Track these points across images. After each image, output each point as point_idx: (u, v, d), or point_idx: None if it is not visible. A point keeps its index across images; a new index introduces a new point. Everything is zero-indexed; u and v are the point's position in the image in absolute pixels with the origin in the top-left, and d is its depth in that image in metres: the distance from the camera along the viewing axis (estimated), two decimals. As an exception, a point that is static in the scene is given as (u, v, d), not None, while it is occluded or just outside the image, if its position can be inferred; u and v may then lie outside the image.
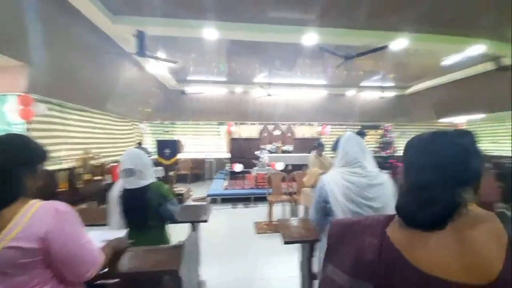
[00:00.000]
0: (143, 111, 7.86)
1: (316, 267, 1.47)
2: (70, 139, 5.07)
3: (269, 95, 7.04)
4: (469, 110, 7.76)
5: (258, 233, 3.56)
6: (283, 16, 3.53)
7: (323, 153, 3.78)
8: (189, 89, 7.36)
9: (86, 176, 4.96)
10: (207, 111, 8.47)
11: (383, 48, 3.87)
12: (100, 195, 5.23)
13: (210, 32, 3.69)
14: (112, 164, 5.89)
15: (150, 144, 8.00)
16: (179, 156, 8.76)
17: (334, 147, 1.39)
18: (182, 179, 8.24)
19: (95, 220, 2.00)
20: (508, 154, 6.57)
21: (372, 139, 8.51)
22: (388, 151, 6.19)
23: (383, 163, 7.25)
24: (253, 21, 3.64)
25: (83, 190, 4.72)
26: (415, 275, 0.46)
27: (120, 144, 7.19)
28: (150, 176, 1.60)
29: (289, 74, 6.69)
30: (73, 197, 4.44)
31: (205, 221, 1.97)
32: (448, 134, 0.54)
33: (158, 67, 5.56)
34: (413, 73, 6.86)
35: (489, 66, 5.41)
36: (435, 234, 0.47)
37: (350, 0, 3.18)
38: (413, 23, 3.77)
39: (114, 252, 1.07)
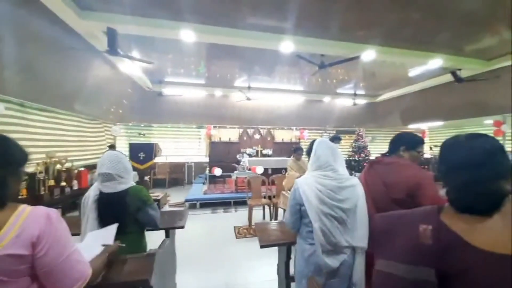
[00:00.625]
0: (115, 112, 7.46)
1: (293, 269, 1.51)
2: (33, 142, 4.65)
3: (248, 99, 7.10)
4: (430, 117, 8.54)
5: (238, 238, 3.55)
6: (261, 23, 3.61)
7: (302, 157, 3.89)
8: (167, 91, 7.16)
9: (50, 182, 4.56)
10: (186, 114, 8.28)
11: (355, 58, 4.13)
12: (66, 202, 4.84)
13: (187, 34, 3.64)
14: (80, 169, 5.49)
15: (124, 147, 7.59)
16: (157, 160, 8.48)
17: (308, 152, 1.46)
18: (159, 184, 7.93)
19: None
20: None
21: (346, 144, 8.96)
22: (362, 154, 6.55)
23: (357, 166, 7.66)
24: (231, 26, 3.68)
25: (47, 198, 4.33)
26: (475, 253, 0.53)
27: (90, 148, 6.74)
28: (130, 180, 1.54)
29: (268, 79, 6.82)
30: (34, 205, 4.06)
31: (182, 227, 1.93)
32: (481, 136, 0.64)
33: (133, 67, 5.35)
34: (383, 83, 7.39)
35: (448, 78, 6.01)
36: (488, 218, 0.55)
37: (324, 13, 3.36)
38: (381, 38, 4.09)
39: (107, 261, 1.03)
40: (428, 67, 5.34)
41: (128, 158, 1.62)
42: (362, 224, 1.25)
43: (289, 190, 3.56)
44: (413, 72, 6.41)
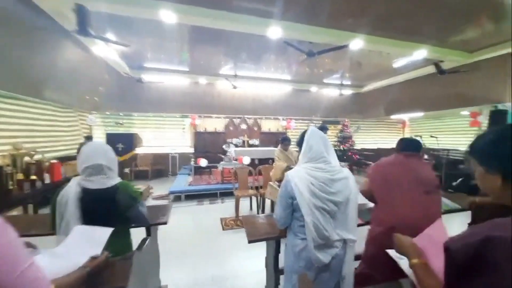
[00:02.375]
0: (90, 100, 6.94)
1: (282, 263, 1.45)
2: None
3: (234, 87, 6.88)
4: (412, 108, 8.83)
5: (225, 229, 3.48)
6: (247, 5, 3.40)
7: (289, 147, 3.83)
8: (147, 77, 6.73)
9: (19, 176, 4.17)
10: (169, 102, 7.90)
11: (343, 47, 4.06)
12: (38, 197, 4.48)
13: (167, 15, 3.35)
14: (52, 161, 5.08)
15: (101, 138, 7.14)
16: (138, 151, 8.09)
17: (299, 143, 1.37)
18: (141, 175, 7.61)
19: (37, 228, 1.65)
20: (444, 147, 7.74)
21: (332, 134, 9.07)
22: (347, 144, 6.65)
23: (342, 155, 7.81)
24: (216, 8, 3.43)
25: (16, 193, 3.97)
26: None
27: (63, 138, 6.26)
28: (116, 174, 1.40)
29: (255, 67, 6.62)
30: (3, 200, 3.70)
31: (164, 223, 1.80)
32: None
33: (108, 51, 4.92)
34: (369, 73, 7.45)
35: (430, 69, 6.15)
36: None
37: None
38: (369, 27, 4.03)
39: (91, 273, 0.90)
40: (413, 58, 5.41)
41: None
42: (353, 217, 1.22)
43: (277, 180, 3.51)
44: (397, 63, 6.51)
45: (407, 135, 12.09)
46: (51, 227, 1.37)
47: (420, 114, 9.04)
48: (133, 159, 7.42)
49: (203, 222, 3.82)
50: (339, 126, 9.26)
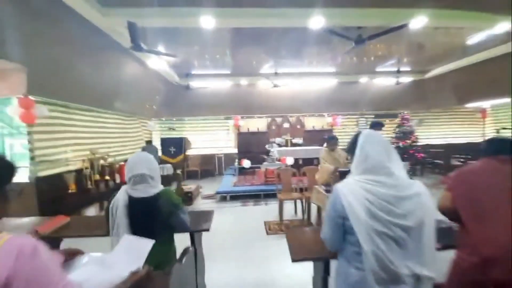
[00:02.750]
0: (150, 108, 7.79)
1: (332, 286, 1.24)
2: (77, 140, 5.05)
3: (275, 86, 6.73)
4: (493, 93, 7.09)
5: (269, 234, 3.38)
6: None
7: (337, 147, 3.48)
8: (194, 83, 7.17)
9: (95, 177, 4.95)
10: (213, 105, 8.27)
11: (402, 27, 3.46)
12: (110, 195, 5.23)
13: (207, 20, 3.42)
14: (121, 163, 5.88)
15: (157, 141, 7.96)
16: (189, 152, 8.74)
17: (350, 149, 1.13)
18: (192, 175, 8.20)
19: (101, 229, 1.85)
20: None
21: (388, 129, 8.00)
22: (407, 141, 5.74)
23: (402, 154, 6.81)
24: (254, 5, 3.34)
25: (94, 191, 4.72)
26: None
27: (129, 143, 7.19)
28: (159, 183, 1.47)
29: (296, 63, 6.33)
30: (83, 198, 4.45)
31: (207, 230, 1.79)
32: None
33: (159, 63, 5.39)
34: (433, 56, 6.28)
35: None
36: None
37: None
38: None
39: None
40: (491, 32, 4.28)
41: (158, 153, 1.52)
42: (429, 247, 0.93)
43: (323, 184, 3.23)
44: (472, 40, 5.28)
45: (488, 127, 9.87)
46: (106, 231, 1.51)
47: (505, 100, 7.23)
48: (185, 160, 8.03)
49: (247, 225, 3.80)
50: (396, 120, 8.12)
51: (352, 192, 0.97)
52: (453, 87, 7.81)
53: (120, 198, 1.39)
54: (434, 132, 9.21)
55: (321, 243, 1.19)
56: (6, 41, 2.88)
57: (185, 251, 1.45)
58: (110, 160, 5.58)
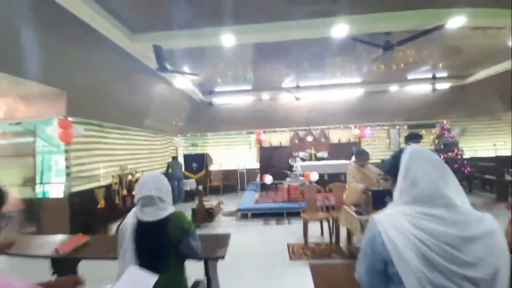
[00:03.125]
0: (176, 125, 8.10)
1: None
2: (109, 157, 5.34)
3: (297, 99, 6.57)
4: None
5: (292, 260, 3.08)
6: (305, 9, 3.11)
7: (367, 163, 3.14)
8: (217, 100, 7.33)
9: (123, 192, 5.13)
10: (235, 120, 8.34)
11: (438, 28, 3.14)
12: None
13: (228, 38, 3.47)
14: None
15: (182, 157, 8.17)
16: (212, 168, 8.81)
17: (391, 170, 0.91)
18: (214, 191, 8.17)
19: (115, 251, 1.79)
20: None
21: (426, 141, 7.25)
22: (449, 153, 5.07)
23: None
24: (274, 20, 3.31)
25: (120, 206, 4.87)
26: None
27: (156, 158, 7.46)
28: (170, 205, 1.37)
29: (319, 75, 6.16)
30: (111, 213, 4.60)
31: (222, 257, 1.62)
32: None
33: (184, 82, 5.61)
34: (474, 59, 5.66)
35: None
36: None
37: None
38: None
39: None
40: None
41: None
42: None
43: (352, 205, 2.89)
44: None
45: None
46: (116, 255, 1.41)
47: None
48: (207, 176, 8.07)
49: (269, 247, 3.53)
50: (434, 130, 7.34)
51: (397, 229, 0.74)
52: (498, 92, 6.92)
53: (129, 222, 1.30)
54: (480, 143, 8.14)
55: (349, 281, 0.95)
56: (47, 68, 3.18)
57: (196, 284, 1.28)
58: (138, 175, 5.78)
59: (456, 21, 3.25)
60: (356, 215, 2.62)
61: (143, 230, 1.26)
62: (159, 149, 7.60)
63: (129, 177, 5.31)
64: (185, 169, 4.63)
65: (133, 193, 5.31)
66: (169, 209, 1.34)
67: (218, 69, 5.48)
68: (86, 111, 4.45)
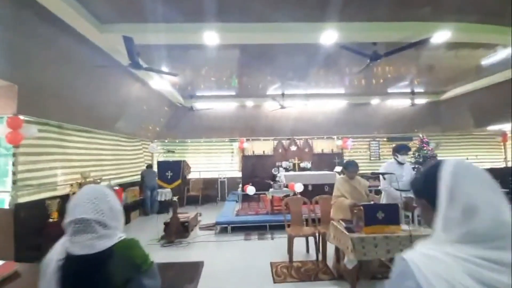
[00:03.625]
0: (153, 129, 7.55)
1: None
2: (69, 163, 4.71)
3: (282, 107, 6.43)
4: None
5: (276, 282, 2.76)
6: (295, 11, 2.97)
7: (356, 175, 2.97)
8: (198, 105, 6.96)
9: (84, 204, 4.49)
10: (217, 127, 8.00)
11: (423, 42, 3.15)
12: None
13: (211, 36, 3.20)
14: (115, 188, 5.44)
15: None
16: (191, 176, 8.26)
17: (425, 191, 0.67)
18: (193, 201, 7.65)
19: None
20: None
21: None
22: (429, 167, 5.17)
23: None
24: (261, 20, 3.12)
25: (79, 220, 4.23)
26: None
27: (128, 165, 6.82)
28: (117, 230, 0.98)
29: (304, 84, 6.09)
30: (61, 230, 3.95)
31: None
32: None
33: (162, 83, 5.20)
34: (449, 76, 5.96)
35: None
36: None
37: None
38: (455, 12, 3.05)
39: None
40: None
41: (116, 196, 1.05)
42: None
43: (340, 220, 2.68)
44: (487, 61, 4.99)
45: (510, 151, 9.18)
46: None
47: None
48: (185, 185, 7.54)
49: (250, 267, 3.18)
50: (412, 143, 7.58)
51: (448, 282, 0.49)
52: (470, 109, 7.37)
53: (53, 257, 0.91)
54: (451, 156, 8.57)
55: None
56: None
57: None
58: (104, 184, 5.16)
59: (441, 35, 3.30)
60: (347, 232, 2.39)
61: (72, 269, 0.88)
62: (131, 155, 6.98)
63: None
64: (159, 178, 4.17)
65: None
66: (114, 237, 0.95)
67: (200, 72, 5.18)
68: (43, 110, 3.86)
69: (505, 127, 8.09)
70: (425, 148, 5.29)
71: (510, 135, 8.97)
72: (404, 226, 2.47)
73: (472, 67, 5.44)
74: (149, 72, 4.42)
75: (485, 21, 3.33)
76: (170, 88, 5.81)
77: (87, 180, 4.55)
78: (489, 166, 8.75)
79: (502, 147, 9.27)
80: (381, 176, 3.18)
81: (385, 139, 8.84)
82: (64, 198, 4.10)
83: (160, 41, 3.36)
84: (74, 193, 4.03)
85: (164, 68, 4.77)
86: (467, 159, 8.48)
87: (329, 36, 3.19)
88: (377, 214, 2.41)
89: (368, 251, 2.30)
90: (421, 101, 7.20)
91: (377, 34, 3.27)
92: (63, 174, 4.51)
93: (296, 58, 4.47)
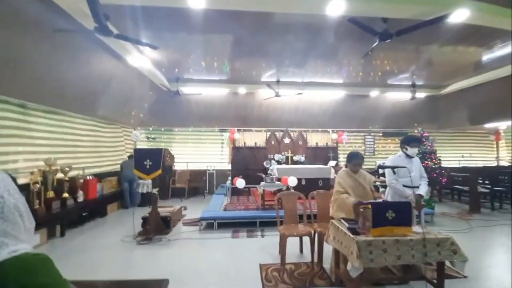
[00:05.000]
0: (135, 115, 6.92)
1: None
2: (34, 148, 4.11)
3: (277, 95, 5.99)
4: (506, 114, 6.44)
5: (266, 288, 2.38)
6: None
7: (360, 168, 2.60)
8: (185, 89, 6.39)
9: (49, 194, 3.94)
10: (207, 115, 7.47)
11: (440, 19, 2.76)
12: (67, 217, 4.20)
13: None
14: (88, 178, 4.88)
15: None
16: (177, 167, 7.75)
17: None
18: (179, 194, 7.17)
19: None
20: None
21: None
22: (429, 162, 4.93)
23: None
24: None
25: (41, 213, 3.68)
26: None
27: (106, 153, 6.22)
28: (11, 239, 0.59)
29: (301, 71, 5.66)
30: (28, 221, 3.42)
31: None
32: None
33: (143, 59, 4.61)
34: (450, 70, 5.68)
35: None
36: None
37: None
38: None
39: None
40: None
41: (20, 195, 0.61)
42: None
43: (342, 219, 2.31)
44: (487, 57, 4.77)
45: (503, 149, 9.19)
46: None
47: None
48: (170, 176, 7.03)
49: (237, 271, 2.79)
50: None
51: None
52: (468, 106, 7.19)
53: None
54: (446, 154, 8.45)
55: None
56: None
57: None
58: (73, 173, 4.54)
59: (459, 14, 2.92)
60: (351, 235, 2.02)
61: None
62: (111, 142, 6.38)
63: (59, 175, 4.13)
64: (136, 167, 3.67)
65: (64, 195, 4.17)
66: (2, 250, 0.54)
67: (186, 50, 4.62)
68: (2, 86, 3.26)
69: (501, 125, 8.02)
70: (425, 143, 5.03)
71: (504, 133, 8.96)
72: (416, 228, 2.14)
73: (473, 62, 5.19)
74: (125, 44, 3.85)
75: (504, 5, 3.00)
76: (152, 67, 5.22)
77: (52, 168, 3.98)
78: (481, 164, 8.74)
79: (495, 145, 9.27)
80: (386, 170, 2.85)
81: (380, 134, 8.61)
82: (26, 188, 3.54)
83: (131, 2, 2.79)
84: (36, 183, 3.49)
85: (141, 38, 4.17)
86: (462, 156, 8.44)
87: (336, 5, 2.73)
88: (386, 214, 2.05)
89: (375, 256, 1.94)
90: (420, 95, 6.93)
91: (389, 7, 2.85)
92: (25, 161, 3.92)
93: (296, 37, 4.01)
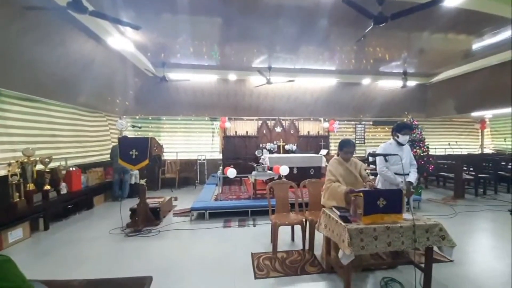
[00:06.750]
0: (120, 103, 6.61)
1: None
2: (10, 137, 3.84)
3: (269, 82, 5.83)
4: (496, 103, 6.60)
5: (258, 278, 2.36)
6: None
7: (352, 156, 2.57)
8: (172, 75, 6.11)
9: (29, 186, 3.73)
10: (196, 103, 7.25)
11: (436, 3, 2.67)
12: (50, 210, 4.02)
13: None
14: (71, 169, 4.66)
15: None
16: (167, 157, 7.57)
17: None
18: (169, 184, 7.05)
19: None
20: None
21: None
22: (418, 150, 5.02)
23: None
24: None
25: (22, 206, 3.49)
26: None
27: (92, 143, 5.95)
28: None
29: (293, 57, 5.50)
30: (7, 216, 3.22)
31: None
32: None
33: (124, 42, 4.30)
34: (440, 58, 5.67)
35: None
36: None
37: None
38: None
39: None
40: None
41: None
42: None
43: (333, 207, 2.30)
44: (477, 45, 4.78)
45: (487, 137, 9.52)
46: None
47: (507, 110, 6.76)
48: (159, 166, 6.86)
49: (228, 259, 2.77)
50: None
51: None
52: (456, 94, 7.30)
53: None
54: (433, 142, 8.67)
55: None
56: None
57: None
58: (54, 164, 4.31)
59: (455, -2, 2.84)
60: (342, 223, 2.01)
61: None
62: (94, 132, 6.09)
63: (38, 166, 3.90)
64: (121, 157, 3.50)
65: (46, 187, 3.97)
66: None
67: (173, 33, 4.34)
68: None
69: (487, 113, 8.23)
70: (414, 131, 5.09)
71: (489, 122, 9.23)
72: (406, 215, 2.15)
73: (463, 50, 5.19)
74: (104, 24, 3.56)
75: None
76: (136, 50, 4.91)
77: (31, 159, 3.74)
78: (466, 152, 9.04)
79: (479, 134, 9.57)
80: (377, 158, 2.84)
81: (370, 123, 8.68)
82: (2, 181, 3.31)
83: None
84: (14, 175, 3.27)
85: (132, 33, 3.88)
86: (449, 144, 8.67)
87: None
88: (378, 202, 2.04)
89: (367, 244, 1.94)
90: (411, 83, 6.95)
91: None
92: (0, 152, 3.66)
93: (288, 20, 3.83)
